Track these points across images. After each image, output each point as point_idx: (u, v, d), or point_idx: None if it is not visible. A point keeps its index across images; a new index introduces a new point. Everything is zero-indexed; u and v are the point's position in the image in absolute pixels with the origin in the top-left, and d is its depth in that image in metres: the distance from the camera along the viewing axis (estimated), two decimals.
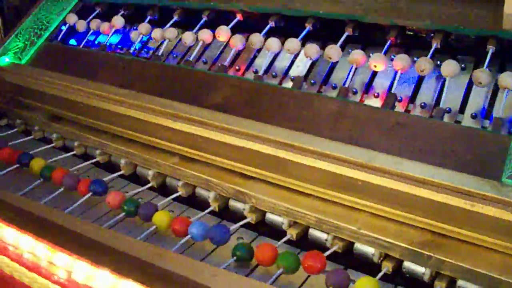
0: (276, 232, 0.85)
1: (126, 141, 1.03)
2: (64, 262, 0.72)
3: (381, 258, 0.76)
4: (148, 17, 1.13)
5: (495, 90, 0.81)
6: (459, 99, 0.82)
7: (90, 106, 1.03)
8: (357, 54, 0.85)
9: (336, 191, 0.79)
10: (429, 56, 0.82)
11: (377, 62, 0.83)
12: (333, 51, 0.87)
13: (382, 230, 0.76)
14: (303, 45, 0.94)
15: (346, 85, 0.87)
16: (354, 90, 0.88)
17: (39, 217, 0.81)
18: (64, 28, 1.21)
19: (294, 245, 0.83)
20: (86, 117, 1.06)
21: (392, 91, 0.82)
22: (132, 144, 1.02)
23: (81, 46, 1.17)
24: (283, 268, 0.75)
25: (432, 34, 0.85)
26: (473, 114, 0.80)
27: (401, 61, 0.81)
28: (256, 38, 0.95)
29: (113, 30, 1.14)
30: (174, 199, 0.93)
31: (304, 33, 0.94)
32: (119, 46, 1.18)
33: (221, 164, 0.90)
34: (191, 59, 1.00)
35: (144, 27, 1.11)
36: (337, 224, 0.78)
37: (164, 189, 0.98)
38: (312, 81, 0.93)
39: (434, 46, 0.83)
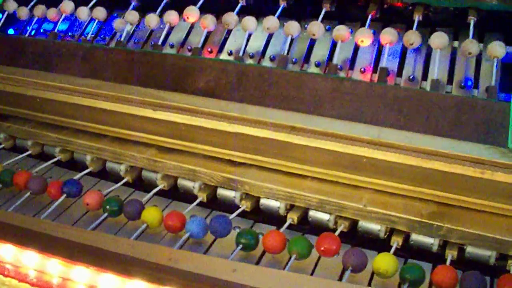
0: (272, 218, 0.83)
1: (92, 136, 0.95)
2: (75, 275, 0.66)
3: (387, 233, 0.76)
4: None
5: (478, 60, 0.83)
6: (446, 70, 0.83)
7: (48, 100, 0.94)
8: (342, 30, 0.83)
9: (339, 171, 0.77)
10: (414, 28, 0.82)
11: (364, 37, 0.82)
12: (315, 28, 0.85)
13: (389, 205, 0.75)
14: None
15: (333, 62, 0.85)
16: (339, 66, 0.86)
17: (17, 227, 0.73)
18: (0, 16, 1.09)
19: (294, 228, 0.81)
20: (42, 113, 0.97)
21: (382, 66, 0.82)
22: (100, 138, 0.95)
23: (26, 36, 1.05)
24: (296, 254, 0.72)
25: (410, 7, 0.86)
26: (462, 84, 0.82)
27: (388, 35, 0.81)
28: (231, 18, 0.90)
29: (62, 17, 1.04)
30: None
31: (279, 10, 0.91)
32: (69, 34, 1.08)
33: (206, 152, 0.86)
34: (159, 43, 0.93)
35: (100, 11, 1.02)
36: (341, 203, 0.77)
37: (140, 184, 0.92)
38: (293, 60, 0.90)
39: (416, 19, 0.83)
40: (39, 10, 1.07)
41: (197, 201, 0.85)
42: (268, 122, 0.77)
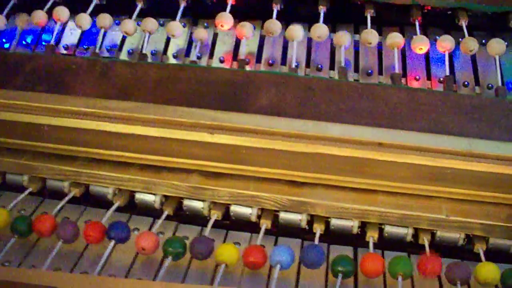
0: (344, 238, 0.80)
1: (116, 165, 0.83)
2: None
3: (466, 240, 0.78)
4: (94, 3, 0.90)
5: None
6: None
7: (59, 128, 0.80)
8: (398, 38, 0.82)
9: (417, 183, 0.76)
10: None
11: (424, 44, 0.81)
12: (371, 36, 0.82)
13: (468, 213, 0.76)
14: None
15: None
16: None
17: None
18: None
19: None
20: (48, 143, 0.82)
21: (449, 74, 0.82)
22: (126, 167, 0.83)
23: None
24: (401, 276, 0.70)
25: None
26: (465, 83, 0.85)
27: (448, 42, 0.81)
28: (275, 26, 0.84)
29: (58, 26, 0.88)
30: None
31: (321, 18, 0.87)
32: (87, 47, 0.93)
33: (267, 175, 0.80)
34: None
35: (83, 18, 0.88)
36: (421, 215, 0.76)
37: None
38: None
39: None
40: (23, 18, 0.89)
41: (263, 229, 0.79)
42: (352, 140, 0.73)
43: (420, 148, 0.72)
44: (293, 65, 0.82)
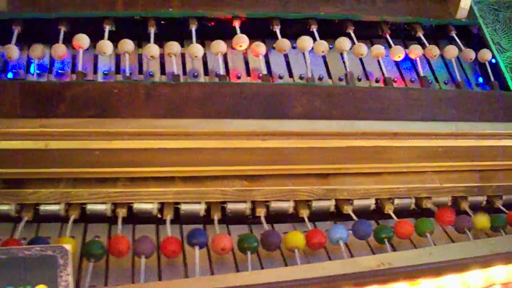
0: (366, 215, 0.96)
1: (158, 181, 0.89)
2: None
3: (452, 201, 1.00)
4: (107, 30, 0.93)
5: None
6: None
7: (113, 150, 0.83)
8: (380, 49, 1.01)
9: (417, 162, 0.95)
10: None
11: (401, 53, 1.02)
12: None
13: (453, 180, 0.98)
14: None
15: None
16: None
17: None
18: None
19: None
20: (99, 167, 0.84)
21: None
22: (170, 182, 0.89)
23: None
24: (429, 233, 0.89)
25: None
26: (445, 81, 1.09)
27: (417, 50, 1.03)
28: (285, 43, 0.97)
29: (81, 53, 0.89)
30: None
31: None
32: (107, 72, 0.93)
33: (302, 171, 0.93)
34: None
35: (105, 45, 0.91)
36: (421, 187, 0.96)
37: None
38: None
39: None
40: (37, 49, 0.88)
41: (305, 218, 0.91)
42: (375, 132, 0.90)
43: (421, 133, 0.92)
44: (309, 75, 0.96)
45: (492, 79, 1.04)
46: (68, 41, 0.92)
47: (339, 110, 0.91)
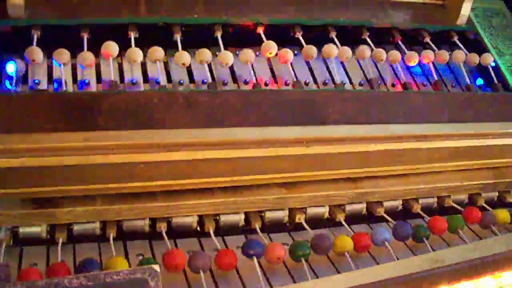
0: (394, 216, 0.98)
1: (197, 193, 0.86)
2: None
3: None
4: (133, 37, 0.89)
5: None
6: None
7: (158, 163, 0.80)
8: (397, 55, 1.04)
9: (437, 162, 0.99)
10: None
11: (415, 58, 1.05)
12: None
13: (469, 178, 1.03)
14: None
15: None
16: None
17: None
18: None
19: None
20: (143, 181, 0.81)
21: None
22: (209, 193, 0.87)
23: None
24: (460, 229, 0.93)
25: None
26: (453, 85, 1.14)
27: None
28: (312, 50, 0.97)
29: (111, 62, 0.84)
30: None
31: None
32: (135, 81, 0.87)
33: (336, 176, 0.93)
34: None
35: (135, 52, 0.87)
36: (450, 185, 1.00)
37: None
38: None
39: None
40: (62, 55, 0.82)
41: (342, 221, 0.92)
42: (405, 136, 0.92)
43: (444, 135, 0.95)
44: (338, 82, 0.97)
45: (496, 81, 1.10)
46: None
47: (370, 114, 0.93)
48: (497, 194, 1.05)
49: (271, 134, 0.84)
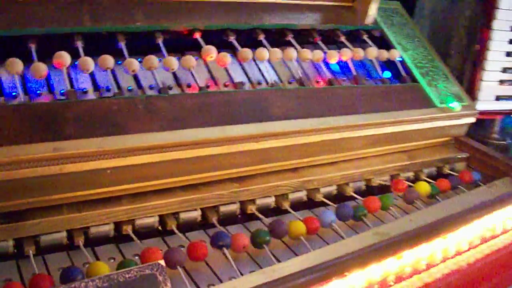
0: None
1: (163, 192, 0.90)
2: None
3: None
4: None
5: None
6: None
7: (125, 168, 0.83)
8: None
9: (375, 147, 1.12)
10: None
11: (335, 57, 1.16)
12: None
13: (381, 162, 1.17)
14: None
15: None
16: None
17: None
18: None
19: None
20: (107, 186, 0.83)
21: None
22: (170, 192, 0.91)
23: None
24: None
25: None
26: (366, 78, 1.28)
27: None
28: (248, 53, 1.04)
29: (65, 71, 0.83)
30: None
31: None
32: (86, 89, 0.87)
33: (280, 167, 1.02)
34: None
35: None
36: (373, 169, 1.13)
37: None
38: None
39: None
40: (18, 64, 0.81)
41: (288, 207, 1.01)
42: (339, 127, 1.04)
43: (369, 124, 1.08)
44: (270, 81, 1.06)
45: (403, 73, 1.25)
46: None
47: (308, 109, 1.02)
48: (413, 174, 1.20)
49: (228, 133, 0.90)
